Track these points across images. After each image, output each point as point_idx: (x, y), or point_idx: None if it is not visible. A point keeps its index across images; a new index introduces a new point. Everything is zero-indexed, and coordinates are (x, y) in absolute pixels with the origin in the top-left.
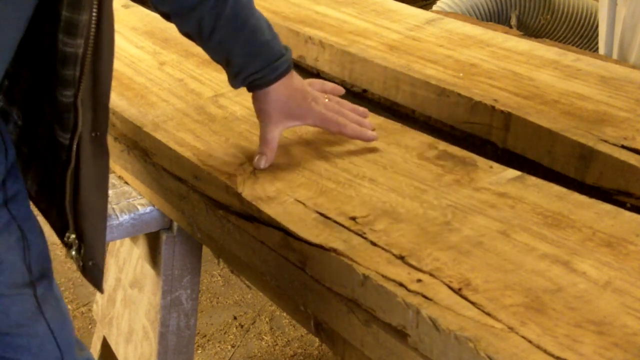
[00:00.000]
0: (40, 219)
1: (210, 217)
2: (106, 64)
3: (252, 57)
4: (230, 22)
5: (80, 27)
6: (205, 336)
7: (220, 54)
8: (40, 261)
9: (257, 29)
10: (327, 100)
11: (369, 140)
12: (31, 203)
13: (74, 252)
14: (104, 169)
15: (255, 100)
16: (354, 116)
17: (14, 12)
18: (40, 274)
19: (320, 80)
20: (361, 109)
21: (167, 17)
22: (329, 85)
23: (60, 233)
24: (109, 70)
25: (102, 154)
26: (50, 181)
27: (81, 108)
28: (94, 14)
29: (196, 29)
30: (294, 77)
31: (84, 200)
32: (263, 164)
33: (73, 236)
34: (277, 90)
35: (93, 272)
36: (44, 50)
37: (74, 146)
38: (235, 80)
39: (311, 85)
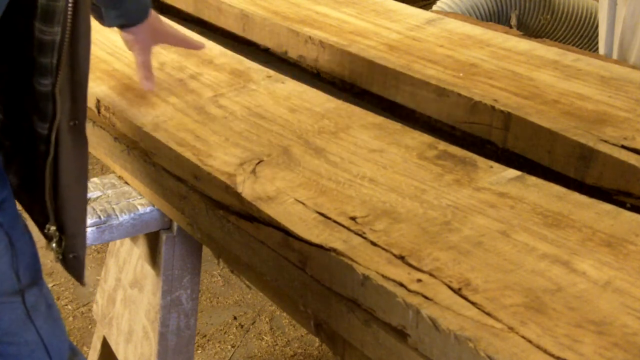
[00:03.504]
0: (30, 224)
1: (210, 217)
2: (84, 51)
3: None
4: None
5: (57, 14)
6: (205, 336)
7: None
8: (30, 268)
9: None
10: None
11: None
12: (19, 208)
13: (54, 245)
14: (83, 158)
15: (126, 34)
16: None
17: None
18: (30, 281)
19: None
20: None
21: None
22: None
23: (42, 226)
24: (86, 57)
25: (82, 143)
26: (31, 174)
27: (59, 97)
28: (70, 0)
29: None
30: (153, 14)
31: (64, 192)
32: (151, 85)
33: (53, 228)
34: (143, 26)
35: (74, 265)
36: (20, 40)
37: (53, 136)
38: (110, 22)
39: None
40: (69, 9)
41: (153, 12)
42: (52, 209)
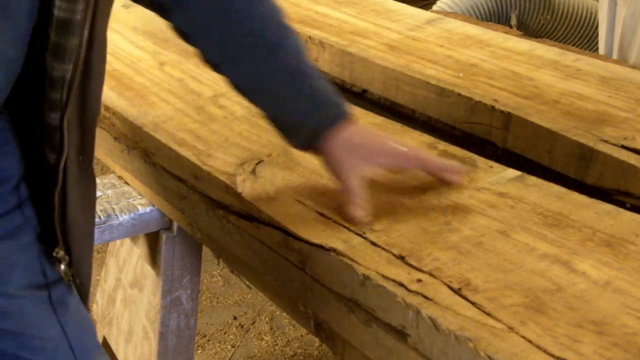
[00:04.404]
0: None
1: (210, 217)
2: (95, 89)
3: (313, 110)
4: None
5: (69, 52)
6: (205, 336)
7: (273, 110)
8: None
9: (312, 76)
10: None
11: (455, 172)
12: None
13: (63, 267)
14: (91, 192)
15: (323, 156)
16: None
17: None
18: (57, 277)
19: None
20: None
21: (215, 69)
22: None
23: (50, 251)
24: (97, 97)
25: (89, 178)
26: (41, 201)
27: (67, 131)
28: (85, 39)
29: (244, 82)
30: (358, 121)
31: (72, 221)
32: (359, 214)
33: (62, 252)
34: (346, 137)
35: (80, 290)
36: (33, 74)
37: (61, 167)
38: (297, 139)
39: None
40: (83, 47)
41: (359, 123)
42: (60, 234)
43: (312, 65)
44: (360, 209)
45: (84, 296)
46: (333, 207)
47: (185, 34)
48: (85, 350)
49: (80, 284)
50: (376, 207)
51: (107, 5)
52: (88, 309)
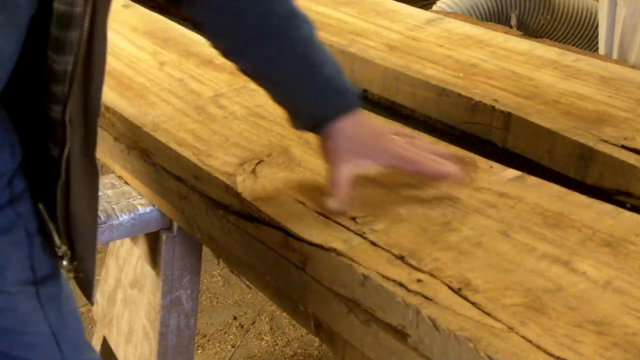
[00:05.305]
0: None
1: (210, 217)
2: (97, 81)
3: (318, 95)
4: (295, 61)
5: (69, 45)
6: (205, 336)
7: (279, 93)
8: (46, 261)
9: (323, 63)
10: (401, 140)
11: (449, 176)
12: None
13: (65, 262)
14: (94, 187)
15: (321, 140)
16: (431, 156)
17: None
18: (46, 273)
19: (392, 125)
20: (443, 149)
21: (224, 54)
22: (402, 129)
23: (53, 246)
24: (99, 87)
25: (93, 172)
26: (43, 193)
27: (69, 124)
28: (85, 31)
29: (251, 68)
30: (364, 114)
31: (75, 215)
32: (334, 205)
33: (65, 247)
34: (346, 127)
35: (83, 284)
36: (36, 66)
37: (64, 160)
38: (298, 122)
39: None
40: (84, 40)
41: (366, 115)
42: (64, 230)
43: (324, 50)
44: (336, 202)
45: (88, 289)
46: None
47: (194, 21)
48: (74, 347)
49: (84, 278)
50: (367, 202)
51: None
52: (92, 303)
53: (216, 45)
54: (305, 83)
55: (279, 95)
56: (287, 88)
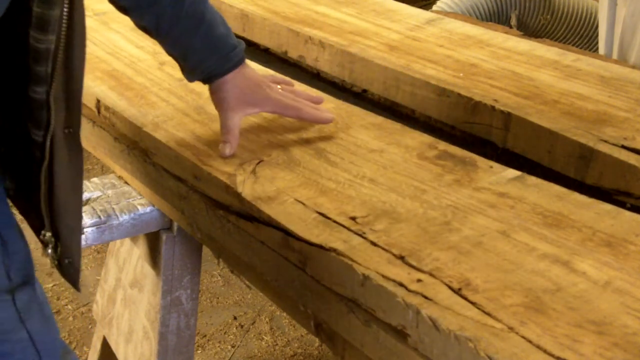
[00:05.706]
0: (24, 227)
1: (210, 217)
2: (79, 60)
3: (209, 51)
4: (189, 18)
5: (52, 23)
6: (205, 336)
7: (177, 48)
8: (22, 268)
9: (213, 23)
10: (280, 88)
11: (326, 121)
12: (12, 207)
13: (49, 250)
14: (78, 167)
15: (212, 91)
16: (308, 102)
17: None
18: (22, 280)
19: (271, 73)
20: (315, 95)
21: (124, 10)
22: (279, 77)
23: (38, 232)
24: (81, 66)
25: (76, 151)
26: (27, 180)
27: (54, 104)
28: (65, 8)
29: (154, 24)
30: (248, 68)
31: (59, 198)
32: (228, 151)
33: (49, 234)
34: (234, 80)
35: (69, 270)
36: (16, 48)
37: (47, 143)
38: (192, 74)
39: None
40: (64, 18)
41: (250, 68)
42: (47, 215)
43: (216, 12)
44: (228, 147)
45: (74, 276)
46: (331, 206)
47: None
48: (52, 352)
49: (70, 264)
50: (376, 207)
51: None
52: (79, 290)
53: (119, 3)
54: (200, 41)
55: (176, 51)
56: (184, 45)
